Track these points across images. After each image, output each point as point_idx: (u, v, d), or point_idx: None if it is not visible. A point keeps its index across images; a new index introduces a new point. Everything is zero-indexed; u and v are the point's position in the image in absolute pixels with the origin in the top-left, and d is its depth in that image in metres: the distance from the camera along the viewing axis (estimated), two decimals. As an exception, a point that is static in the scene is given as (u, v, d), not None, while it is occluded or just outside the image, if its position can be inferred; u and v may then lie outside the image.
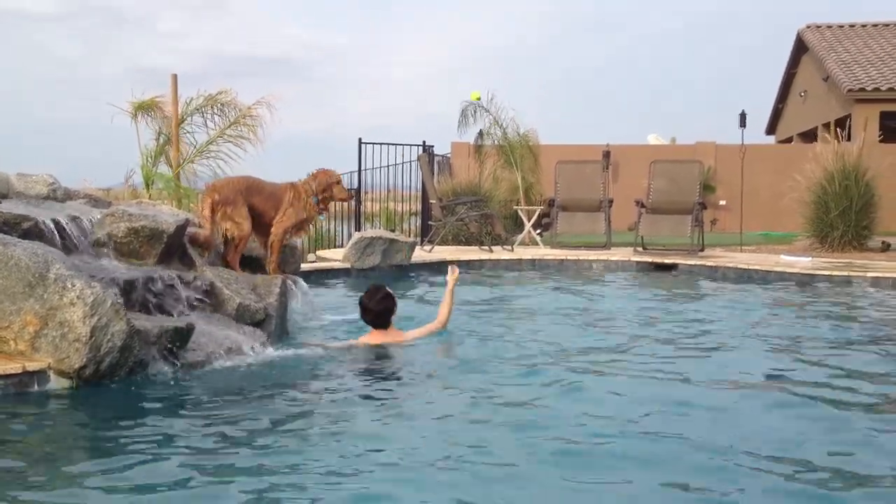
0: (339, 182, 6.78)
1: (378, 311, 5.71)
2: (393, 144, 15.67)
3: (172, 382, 4.53)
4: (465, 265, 11.17)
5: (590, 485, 3.09)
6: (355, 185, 15.50)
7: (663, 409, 4.09)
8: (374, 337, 5.71)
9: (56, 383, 4.21)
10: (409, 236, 13.42)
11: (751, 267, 10.36)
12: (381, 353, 5.50)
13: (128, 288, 4.82)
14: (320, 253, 12.02)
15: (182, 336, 4.74)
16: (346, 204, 14.59)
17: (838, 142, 13.80)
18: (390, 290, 5.87)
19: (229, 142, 11.62)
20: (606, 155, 19.29)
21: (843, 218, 13.23)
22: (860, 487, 3.06)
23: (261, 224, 6.54)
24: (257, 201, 6.40)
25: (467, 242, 13.88)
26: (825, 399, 4.32)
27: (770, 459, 3.31)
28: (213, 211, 6.15)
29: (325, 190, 6.65)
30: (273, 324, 5.69)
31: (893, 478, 3.17)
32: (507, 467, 3.25)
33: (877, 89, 20.84)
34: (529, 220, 14.48)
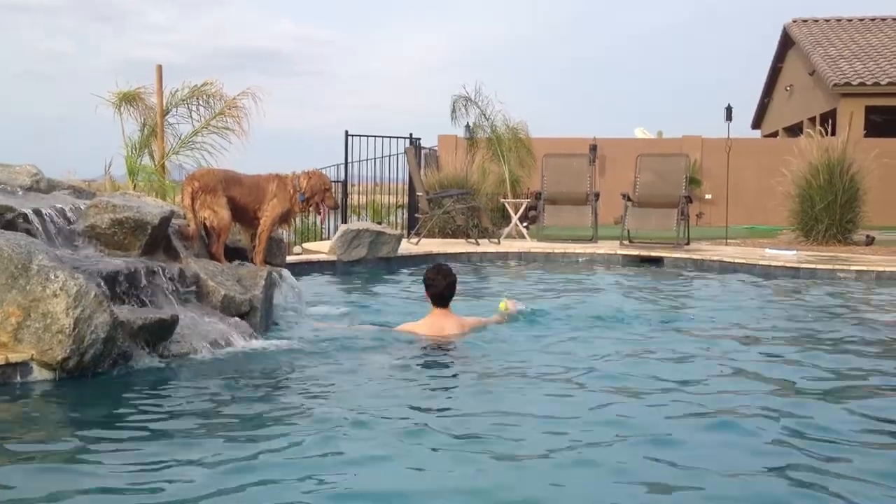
0: (329, 189, 6.80)
1: (447, 285, 5.72)
2: (380, 137, 15.66)
3: (156, 374, 4.51)
4: (451, 258, 11.20)
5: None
6: (342, 178, 15.48)
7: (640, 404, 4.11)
8: (434, 319, 5.71)
9: (39, 375, 4.19)
10: (396, 229, 13.41)
11: (736, 260, 10.41)
12: (421, 340, 5.51)
13: (111, 279, 4.79)
14: (306, 245, 12.00)
15: (166, 328, 4.72)
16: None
17: (823, 136, 13.86)
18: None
19: (214, 133, 11.54)
20: (593, 148, 19.30)
21: (827, 212, 13.30)
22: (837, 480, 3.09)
23: (244, 217, 6.54)
24: (237, 193, 6.39)
25: (454, 235, 13.88)
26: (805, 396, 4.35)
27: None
28: (192, 199, 6.15)
29: (314, 193, 6.65)
30: (258, 315, 5.67)
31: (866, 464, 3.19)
32: (495, 463, 3.25)
33: (862, 84, 20.95)
34: (516, 213, 14.48)
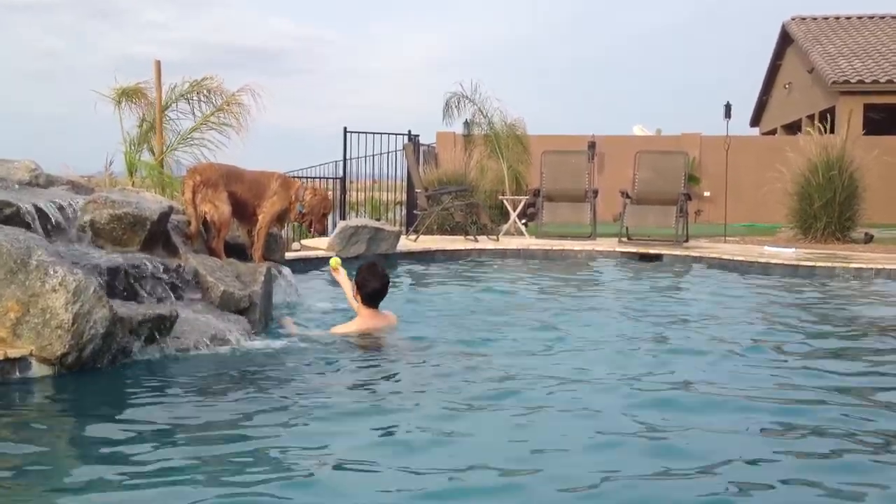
0: (326, 214, 6.83)
1: (382, 285, 5.61)
2: (378, 133, 15.64)
3: (155, 370, 4.50)
4: (450, 254, 11.21)
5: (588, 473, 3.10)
6: (340, 174, 15.47)
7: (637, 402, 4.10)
8: (366, 320, 5.62)
9: (38, 370, 4.17)
10: (395, 225, 13.40)
11: (735, 258, 10.40)
12: (369, 338, 5.48)
13: (111, 275, 4.78)
14: (305, 241, 11.98)
15: (165, 323, 4.71)
16: (331, 192, 14.68)
17: (822, 134, 13.86)
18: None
19: (213, 129, 11.53)
20: (592, 145, 19.29)
21: (826, 209, 13.29)
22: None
23: (244, 213, 6.53)
24: (238, 189, 6.38)
25: (452, 232, 13.87)
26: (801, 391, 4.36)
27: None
28: (193, 193, 6.13)
29: (312, 212, 6.65)
30: (257, 311, 5.66)
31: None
32: (495, 458, 3.25)
33: (861, 81, 20.95)
34: (515, 210, 14.48)
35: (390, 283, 5.72)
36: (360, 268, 5.77)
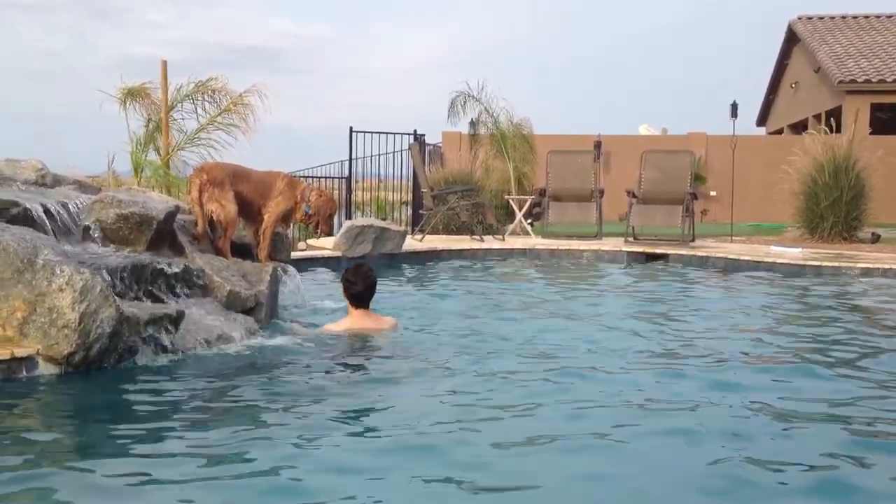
0: (332, 216, 6.83)
1: (366, 287, 5.59)
2: (384, 133, 15.64)
3: (162, 369, 4.50)
4: (455, 254, 11.20)
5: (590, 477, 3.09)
6: (346, 174, 15.48)
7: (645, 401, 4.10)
8: (355, 320, 5.62)
9: (44, 370, 4.18)
10: (401, 225, 13.40)
11: (741, 257, 10.38)
12: (366, 339, 5.47)
13: (117, 274, 4.78)
14: (311, 241, 12.00)
15: (172, 322, 4.71)
16: (337, 191, 14.70)
17: (829, 133, 13.82)
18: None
19: (220, 129, 11.55)
20: (598, 145, 19.28)
21: (833, 209, 13.25)
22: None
23: (250, 212, 6.54)
24: (244, 188, 6.39)
25: (458, 231, 13.86)
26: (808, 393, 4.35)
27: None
28: (200, 192, 6.14)
29: (317, 213, 6.66)
30: (263, 311, 5.66)
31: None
32: (496, 458, 3.24)
33: (867, 81, 20.89)
34: (521, 210, 14.47)
35: (366, 283, 5.64)
36: (346, 270, 5.77)
